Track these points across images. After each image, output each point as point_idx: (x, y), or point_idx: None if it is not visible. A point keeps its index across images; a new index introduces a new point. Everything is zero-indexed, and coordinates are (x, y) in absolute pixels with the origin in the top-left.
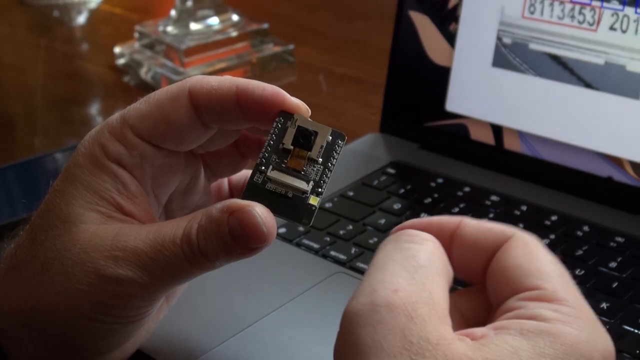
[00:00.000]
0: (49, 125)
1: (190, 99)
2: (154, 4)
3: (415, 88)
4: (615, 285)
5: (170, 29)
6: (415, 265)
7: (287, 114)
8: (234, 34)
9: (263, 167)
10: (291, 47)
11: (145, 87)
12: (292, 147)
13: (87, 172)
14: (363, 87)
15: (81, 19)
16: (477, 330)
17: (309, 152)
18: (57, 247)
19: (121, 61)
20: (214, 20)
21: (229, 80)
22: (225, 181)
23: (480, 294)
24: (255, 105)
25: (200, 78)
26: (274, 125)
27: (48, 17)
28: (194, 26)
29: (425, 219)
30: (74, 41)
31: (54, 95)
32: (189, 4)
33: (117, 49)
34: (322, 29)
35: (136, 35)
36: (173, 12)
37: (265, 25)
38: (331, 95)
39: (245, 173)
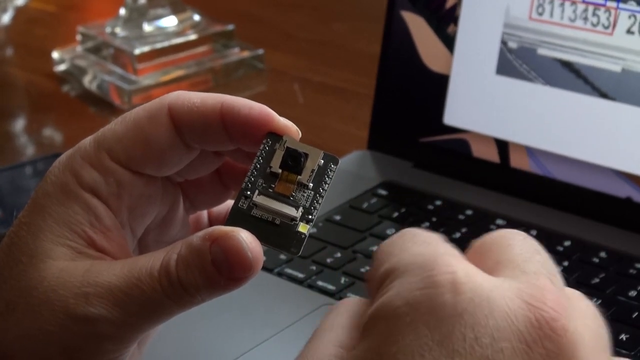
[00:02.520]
0: None
1: (170, 117)
2: (95, 1)
3: (408, 99)
4: (635, 315)
5: (119, 30)
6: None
7: (276, 136)
8: (194, 36)
9: (249, 192)
10: (260, 51)
11: (89, 98)
12: (280, 171)
13: (56, 203)
14: (345, 98)
15: (5, 18)
16: None
17: (299, 176)
18: (22, 284)
19: (60, 68)
20: (171, 21)
21: (213, 98)
22: (204, 213)
23: None
24: (242, 126)
25: (180, 94)
26: (261, 147)
27: None
28: (147, 27)
29: None
30: None
31: None
32: (142, 1)
33: (55, 54)
34: (295, 31)
35: (78, 37)
36: (123, 11)
37: (230, 27)
38: (308, 107)
39: (227, 204)
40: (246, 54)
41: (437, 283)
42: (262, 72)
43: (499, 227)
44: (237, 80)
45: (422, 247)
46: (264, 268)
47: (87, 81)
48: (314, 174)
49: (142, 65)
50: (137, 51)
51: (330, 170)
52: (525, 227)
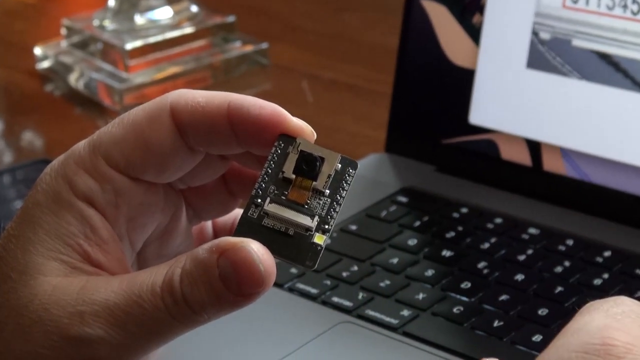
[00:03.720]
0: None
1: (172, 118)
2: None
3: (430, 96)
4: None
5: (108, 23)
6: None
7: (289, 138)
8: (191, 29)
9: (259, 200)
10: (264, 45)
11: (76, 98)
12: (293, 176)
13: (48, 213)
14: (359, 96)
15: None
16: None
17: (314, 182)
18: (12, 303)
19: (44, 65)
20: (166, 12)
21: (219, 96)
22: (209, 224)
23: None
24: (251, 127)
25: (183, 93)
26: (273, 151)
27: None
28: (139, 19)
29: None
30: None
31: None
32: None
33: (38, 50)
34: (303, 22)
35: (63, 31)
36: (112, 2)
37: (231, 19)
38: (318, 106)
39: (235, 214)
40: (249, 48)
41: None
42: (266, 68)
43: (532, 236)
44: (239, 77)
45: None
46: (275, 283)
47: (73, 79)
48: (331, 179)
49: (134, 62)
50: (128, 46)
51: (349, 176)
52: (560, 237)
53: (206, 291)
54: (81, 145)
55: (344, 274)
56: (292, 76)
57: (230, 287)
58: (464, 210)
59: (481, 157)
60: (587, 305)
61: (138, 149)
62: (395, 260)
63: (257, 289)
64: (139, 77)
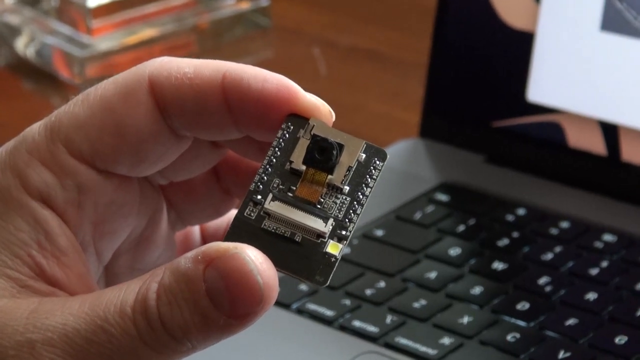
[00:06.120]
0: None
1: (151, 94)
2: None
3: (477, 67)
4: None
5: None
6: None
7: (299, 119)
8: None
9: (259, 196)
10: (264, 2)
11: (24, 69)
12: (304, 168)
13: None
14: (386, 67)
15: None
16: None
17: (330, 176)
18: None
19: None
20: None
21: (211, 66)
22: (196, 231)
23: None
24: (252, 105)
25: (165, 62)
26: (279, 135)
27: None
28: None
29: None
30: None
31: None
32: None
33: None
34: None
35: None
36: None
37: None
38: (334, 80)
39: (229, 218)
40: (245, 5)
41: None
42: (267, 31)
43: (607, 245)
44: (233, 43)
45: None
46: (277, 302)
47: (22, 45)
48: (352, 172)
49: (98, 23)
50: (91, 2)
51: (375, 168)
52: None
53: (190, 312)
54: (35, 129)
55: (368, 292)
56: (300, 41)
57: (220, 307)
58: (521, 211)
59: (542, 144)
60: None
61: (108, 133)
62: (432, 275)
63: (254, 308)
64: (104, 42)
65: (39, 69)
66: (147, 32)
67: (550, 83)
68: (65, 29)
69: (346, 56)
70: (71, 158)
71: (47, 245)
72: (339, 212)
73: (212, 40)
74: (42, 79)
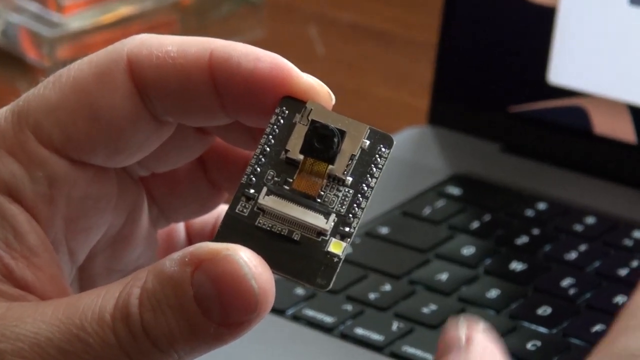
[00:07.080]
0: None
1: (130, 75)
2: None
3: (492, 47)
4: None
5: None
6: None
7: (296, 102)
8: None
9: (252, 190)
10: None
11: None
12: (301, 157)
13: None
14: (392, 48)
15: None
16: None
17: (331, 166)
18: None
19: None
20: None
21: (197, 44)
22: (180, 228)
23: None
24: (242, 86)
25: (145, 39)
26: (273, 121)
27: None
28: None
29: None
30: None
31: None
32: None
33: None
34: None
35: None
36: None
37: None
38: (333, 62)
39: (218, 213)
40: None
41: None
42: (258, 7)
43: (637, 241)
44: (219, 21)
45: None
46: (273, 309)
47: None
48: (354, 162)
49: (70, 0)
50: None
51: (380, 157)
52: None
53: (176, 319)
54: (1, 114)
55: (372, 296)
56: (295, 19)
57: (209, 314)
58: (541, 205)
59: (565, 130)
60: None
61: (81, 118)
62: (444, 277)
63: (248, 316)
64: (76, 21)
65: (4, 50)
66: (124, 10)
67: (574, 63)
68: (32, 6)
69: (347, 35)
70: (41, 147)
71: (16, 245)
72: (342, 207)
73: (197, 18)
74: (7, 61)
